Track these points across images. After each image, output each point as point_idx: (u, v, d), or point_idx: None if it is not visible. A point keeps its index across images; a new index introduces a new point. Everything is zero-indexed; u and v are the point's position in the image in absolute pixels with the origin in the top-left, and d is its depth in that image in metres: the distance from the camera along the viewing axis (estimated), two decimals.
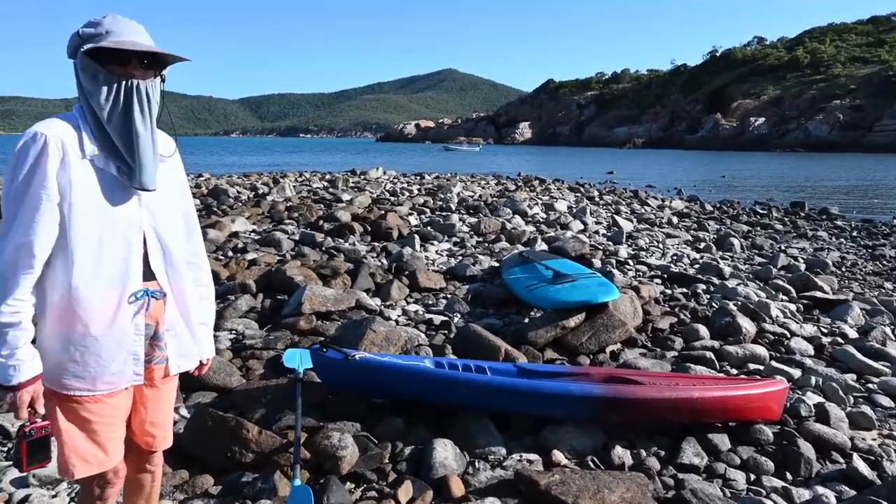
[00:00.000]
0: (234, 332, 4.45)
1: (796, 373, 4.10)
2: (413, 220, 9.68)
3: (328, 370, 3.23)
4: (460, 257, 7.27)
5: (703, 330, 4.73)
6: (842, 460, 3.02)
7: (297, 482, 2.44)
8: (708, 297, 5.91)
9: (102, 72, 1.54)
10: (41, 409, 1.53)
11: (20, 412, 1.49)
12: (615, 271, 6.42)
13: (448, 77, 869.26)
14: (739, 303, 5.48)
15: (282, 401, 3.21)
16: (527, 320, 4.73)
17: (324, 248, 7.16)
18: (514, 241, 8.38)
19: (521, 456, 2.91)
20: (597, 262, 6.97)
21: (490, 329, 4.37)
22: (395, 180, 18.86)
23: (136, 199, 1.63)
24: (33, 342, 1.51)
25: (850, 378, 4.07)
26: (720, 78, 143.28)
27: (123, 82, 1.55)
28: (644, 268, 7.15)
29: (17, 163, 1.48)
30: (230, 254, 6.91)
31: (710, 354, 4.28)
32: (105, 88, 1.54)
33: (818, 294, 6.14)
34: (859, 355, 4.36)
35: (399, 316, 4.98)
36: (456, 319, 4.93)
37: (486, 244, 8.13)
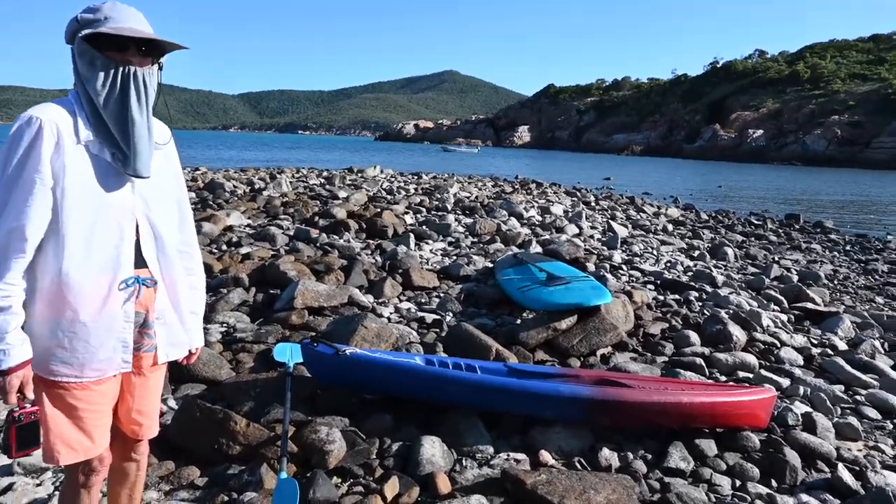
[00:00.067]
0: (225, 324, 4.44)
1: (785, 382, 4.11)
2: (409, 218, 9.68)
3: (318, 365, 3.22)
4: (455, 257, 7.27)
5: (693, 336, 4.75)
6: (827, 469, 3.03)
7: (284, 475, 2.44)
8: (700, 304, 5.93)
9: (100, 57, 1.54)
10: (30, 395, 1.51)
11: (9, 397, 1.48)
12: (609, 276, 6.44)
13: (449, 78, 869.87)
14: (731, 311, 5.50)
15: (271, 394, 3.20)
16: (519, 321, 4.74)
17: (318, 244, 7.15)
18: (509, 242, 8.39)
19: (508, 455, 2.92)
20: (591, 266, 6.98)
21: (482, 329, 4.38)
22: (393, 179, 18.85)
23: (130, 186, 1.62)
24: (23, 327, 1.50)
25: (839, 389, 4.09)
26: (720, 89, 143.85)
27: (121, 69, 1.55)
28: (637, 273, 7.17)
29: (12, 146, 1.47)
30: (224, 247, 6.90)
31: (700, 361, 4.29)
32: (102, 74, 1.54)
33: (809, 305, 6.17)
34: (848, 367, 4.39)
35: (391, 313, 4.98)
36: (448, 318, 4.93)
37: (481, 245, 8.14)
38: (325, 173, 19.54)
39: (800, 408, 3.63)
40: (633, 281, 6.78)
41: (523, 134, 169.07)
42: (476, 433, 3.02)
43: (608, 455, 2.95)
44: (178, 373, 3.44)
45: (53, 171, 1.49)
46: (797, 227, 15.12)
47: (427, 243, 7.97)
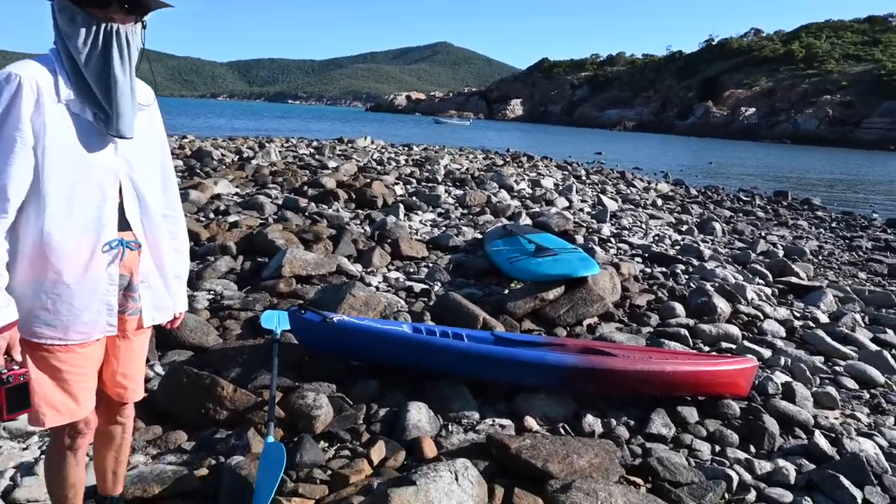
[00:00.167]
0: (212, 292, 4.42)
1: (767, 353, 4.18)
2: (399, 189, 9.63)
3: (306, 332, 3.23)
4: (444, 228, 7.27)
5: (679, 308, 4.80)
6: (804, 436, 3.11)
7: (271, 439, 2.46)
8: (686, 277, 5.98)
9: (81, 13, 1.49)
10: (17, 357, 1.50)
11: None
12: (597, 248, 6.47)
13: (442, 50, 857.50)
14: (717, 284, 5.56)
15: (258, 361, 3.21)
16: (507, 291, 4.77)
17: (307, 214, 7.10)
18: (499, 214, 8.39)
19: (493, 421, 2.96)
20: (579, 239, 7.01)
21: (470, 298, 4.40)
22: (383, 150, 18.69)
23: (113, 147, 1.59)
24: (7, 289, 1.48)
25: (819, 360, 4.18)
26: (715, 66, 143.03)
27: (103, 25, 1.50)
28: (626, 246, 7.21)
29: None
30: (211, 215, 6.84)
31: (684, 332, 4.35)
32: (83, 31, 1.49)
33: (794, 280, 6.25)
34: (829, 339, 4.47)
35: (380, 282, 4.99)
36: (436, 288, 4.94)
37: (471, 216, 8.14)
38: (314, 143, 19.34)
39: (780, 377, 3.70)
40: (621, 254, 6.81)
41: (516, 107, 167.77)
42: (462, 399, 3.05)
43: (592, 421, 3.00)
44: (165, 339, 3.43)
45: (34, 129, 1.45)
46: (785, 203, 15.21)
47: (416, 214, 7.94)
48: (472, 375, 3.18)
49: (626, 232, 8.28)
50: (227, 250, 5.19)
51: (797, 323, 4.92)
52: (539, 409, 3.07)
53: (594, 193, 12.14)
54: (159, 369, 3.22)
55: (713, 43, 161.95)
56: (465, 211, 8.49)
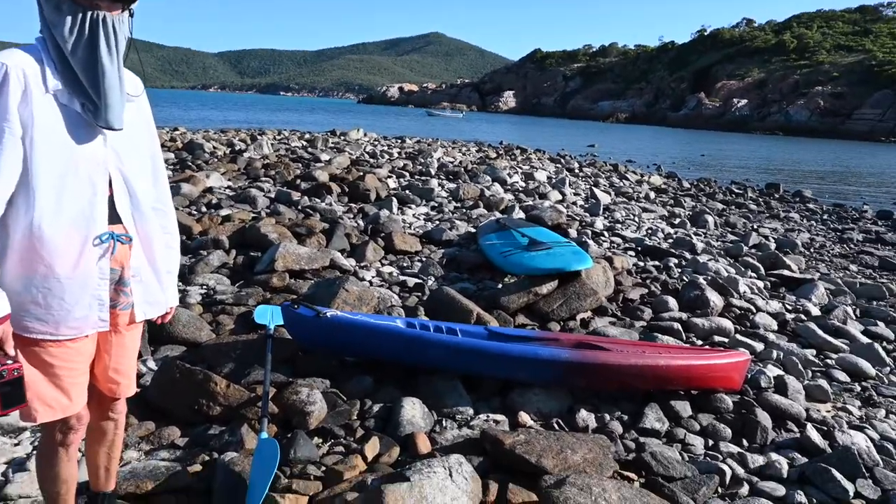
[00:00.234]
0: (205, 287, 4.39)
1: (759, 346, 4.21)
2: (392, 182, 9.60)
3: (299, 327, 3.21)
4: (437, 222, 7.25)
5: (672, 302, 4.82)
6: (796, 430, 3.13)
7: (265, 435, 2.45)
8: (679, 270, 6.00)
9: (66, 1, 1.46)
10: (10, 351, 1.47)
11: None
12: (590, 242, 6.48)
13: (434, 41, 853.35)
14: (709, 277, 5.58)
15: (251, 356, 3.19)
16: (500, 286, 4.76)
17: (300, 207, 7.07)
18: (492, 208, 8.38)
19: (487, 416, 2.96)
20: (573, 233, 7.01)
21: (463, 293, 4.39)
22: (376, 143, 18.62)
23: (102, 139, 1.57)
24: None
25: (810, 353, 4.21)
26: (707, 57, 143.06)
27: (89, 14, 1.47)
28: (619, 240, 7.22)
29: None
30: (203, 209, 6.79)
31: (677, 325, 4.37)
32: (69, 19, 1.46)
33: (786, 272, 6.28)
34: (820, 332, 4.50)
35: (373, 277, 4.97)
36: (430, 282, 4.94)
37: (464, 210, 8.12)
38: (307, 136, 19.21)
39: (772, 371, 3.72)
40: (614, 247, 6.83)
41: (509, 99, 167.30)
42: (456, 395, 3.05)
43: (585, 416, 3.01)
44: (158, 334, 3.41)
45: (21, 119, 1.43)
46: (777, 196, 15.29)
47: (410, 208, 7.92)
48: (466, 370, 3.18)
49: (619, 225, 8.30)
50: (220, 244, 5.16)
51: (789, 316, 4.95)
52: (533, 404, 3.07)
53: (587, 186, 12.15)
54: (152, 364, 3.20)
55: (705, 33, 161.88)
56: (459, 204, 8.48)
